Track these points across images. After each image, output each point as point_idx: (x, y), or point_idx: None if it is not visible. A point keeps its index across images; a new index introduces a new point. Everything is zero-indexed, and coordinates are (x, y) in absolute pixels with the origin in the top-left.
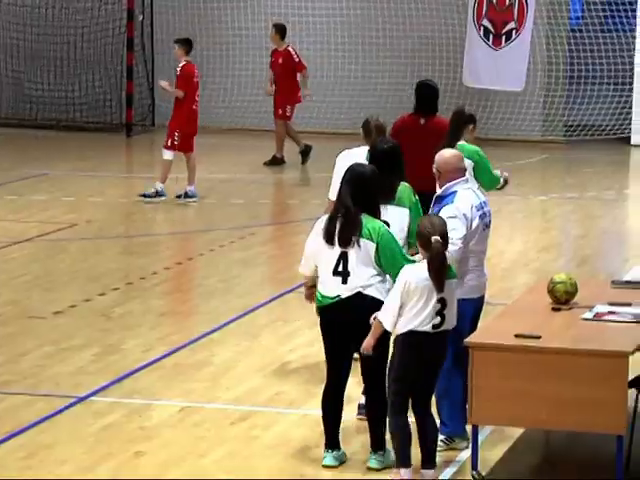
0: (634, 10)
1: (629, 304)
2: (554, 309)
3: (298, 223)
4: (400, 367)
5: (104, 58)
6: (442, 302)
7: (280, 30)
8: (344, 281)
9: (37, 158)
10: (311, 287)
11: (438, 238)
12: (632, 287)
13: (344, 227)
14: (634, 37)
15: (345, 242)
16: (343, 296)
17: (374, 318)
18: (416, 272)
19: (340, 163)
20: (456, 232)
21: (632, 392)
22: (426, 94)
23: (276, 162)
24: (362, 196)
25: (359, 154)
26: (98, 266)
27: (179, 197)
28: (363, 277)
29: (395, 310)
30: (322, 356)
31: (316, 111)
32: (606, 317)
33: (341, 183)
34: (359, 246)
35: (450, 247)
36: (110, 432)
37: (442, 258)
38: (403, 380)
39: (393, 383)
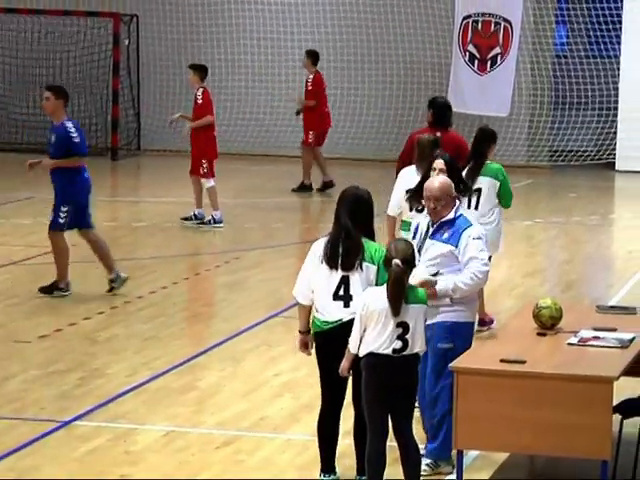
0: (618, 36)
1: (614, 329)
2: (539, 334)
3: (284, 247)
4: (365, 390)
5: (90, 82)
6: (403, 326)
7: (312, 56)
8: (346, 305)
9: (22, 182)
10: (306, 333)
11: (398, 262)
12: (617, 312)
13: (349, 251)
14: (618, 63)
15: (350, 266)
16: (345, 320)
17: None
18: (375, 295)
19: (403, 178)
20: (484, 253)
21: (617, 417)
22: (441, 109)
23: (304, 189)
24: (361, 218)
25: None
26: (83, 290)
27: (187, 219)
28: None
29: (357, 333)
30: (307, 381)
31: (301, 136)
32: (591, 342)
33: (338, 207)
34: (362, 269)
35: (483, 268)
36: (95, 456)
37: (399, 282)
38: (370, 403)
39: (364, 407)
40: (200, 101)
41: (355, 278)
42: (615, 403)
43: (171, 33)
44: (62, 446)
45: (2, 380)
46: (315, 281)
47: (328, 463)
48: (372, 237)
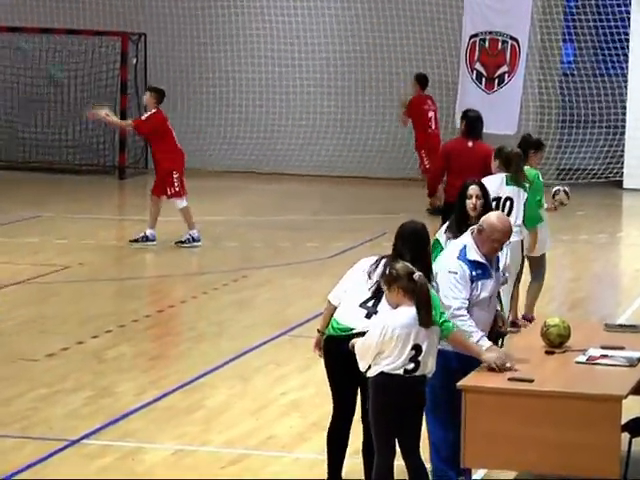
0: (626, 54)
1: (622, 348)
2: (547, 352)
3: (291, 266)
4: (373, 409)
5: (98, 101)
6: (417, 348)
7: (420, 80)
8: (368, 316)
9: (30, 201)
10: (322, 333)
11: (421, 274)
12: (625, 331)
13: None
14: (626, 81)
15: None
16: (357, 329)
17: (351, 346)
18: (395, 318)
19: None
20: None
21: (625, 436)
22: (473, 121)
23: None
24: (420, 251)
25: (494, 180)
26: (91, 309)
27: (136, 241)
28: None
29: (371, 356)
30: (314, 399)
31: (309, 153)
32: (599, 361)
33: (396, 240)
34: None
35: None
36: (103, 475)
37: (428, 292)
38: (378, 423)
39: (372, 426)
40: (144, 119)
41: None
42: (623, 422)
43: (179, 52)
44: (70, 465)
45: (10, 399)
46: (352, 287)
47: (334, 474)
48: (430, 269)
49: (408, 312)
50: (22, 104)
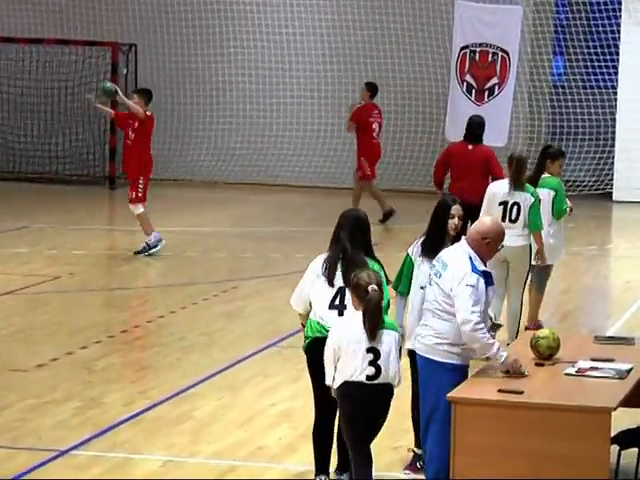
0: (616, 67)
1: (612, 360)
2: (537, 364)
3: (281, 277)
4: (342, 420)
5: (88, 111)
6: (374, 352)
7: (370, 88)
8: (340, 313)
9: (20, 211)
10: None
11: (375, 287)
12: (615, 343)
13: (348, 268)
14: (616, 93)
15: (348, 281)
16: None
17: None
18: (345, 326)
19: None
20: None
21: (615, 448)
22: (475, 126)
23: (389, 215)
24: (360, 238)
25: (502, 185)
26: (80, 319)
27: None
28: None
29: (331, 367)
30: (304, 410)
31: (299, 165)
32: (589, 373)
33: (338, 228)
34: None
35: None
36: None
37: (379, 306)
38: (347, 432)
39: (345, 438)
40: (149, 113)
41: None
42: (613, 434)
43: (169, 62)
44: (59, 476)
45: None
46: (313, 294)
47: (321, 467)
48: (372, 254)
49: (359, 321)
50: (12, 114)
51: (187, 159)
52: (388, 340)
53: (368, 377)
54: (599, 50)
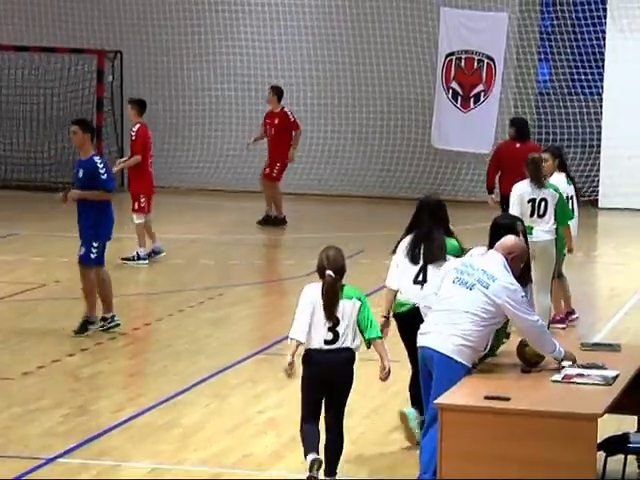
0: (601, 74)
1: (598, 366)
2: (523, 371)
3: (268, 284)
4: (301, 383)
5: (74, 118)
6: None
7: (277, 92)
8: (422, 288)
9: (6, 218)
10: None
11: (331, 273)
12: (601, 349)
13: (431, 249)
14: (601, 100)
15: (432, 260)
16: (417, 304)
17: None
18: (316, 290)
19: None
20: None
21: (601, 454)
22: (521, 125)
23: (271, 222)
24: (441, 219)
25: (525, 184)
26: (67, 327)
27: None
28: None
29: (305, 322)
30: (291, 418)
31: (285, 173)
32: (575, 379)
33: (418, 212)
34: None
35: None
36: None
37: (332, 290)
38: (302, 395)
39: (301, 405)
40: (134, 138)
41: (433, 267)
42: (599, 440)
43: (155, 69)
44: None
45: None
46: (399, 273)
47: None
48: (451, 233)
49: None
50: None
51: (174, 166)
52: (348, 308)
53: (326, 341)
54: (584, 57)
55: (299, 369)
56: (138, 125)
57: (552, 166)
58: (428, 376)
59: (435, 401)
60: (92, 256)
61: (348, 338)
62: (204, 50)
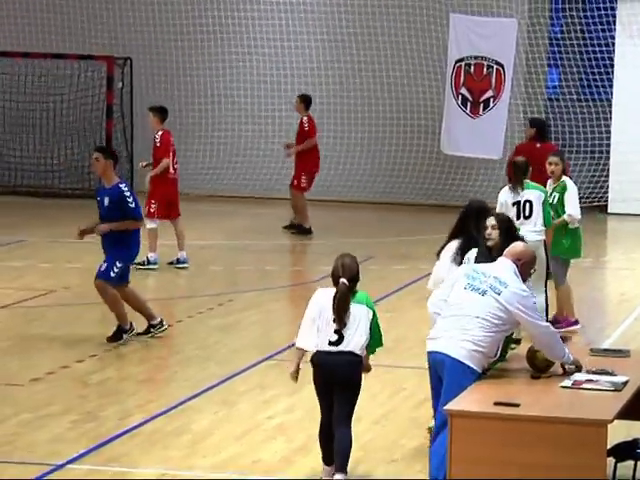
0: (610, 80)
1: (608, 372)
2: (533, 377)
3: (277, 290)
4: (315, 386)
5: (83, 125)
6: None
7: (303, 100)
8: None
9: (15, 225)
10: None
11: (345, 281)
12: (610, 355)
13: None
14: (610, 106)
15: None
16: None
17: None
18: (324, 296)
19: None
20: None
21: (611, 460)
22: (541, 125)
23: (299, 229)
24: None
25: (506, 189)
26: (76, 333)
27: (171, 263)
28: None
29: (308, 330)
30: (300, 423)
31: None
32: (585, 385)
33: (462, 218)
34: None
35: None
36: None
37: (344, 298)
38: (317, 394)
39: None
40: (158, 144)
41: None
42: (609, 446)
43: (164, 76)
44: None
45: None
46: (449, 278)
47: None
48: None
49: (331, 294)
50: (8, 128)
51: (183, 173)
52: (357, 312)
53: (330, 342)
54: (594, 63)
55: (307, 374)
56: (161, 132)
57: (560, 169)
58: (438, 381)
59: (445, 407)
60: (112, 275)
61: (352, 342)
62: (214, 57)
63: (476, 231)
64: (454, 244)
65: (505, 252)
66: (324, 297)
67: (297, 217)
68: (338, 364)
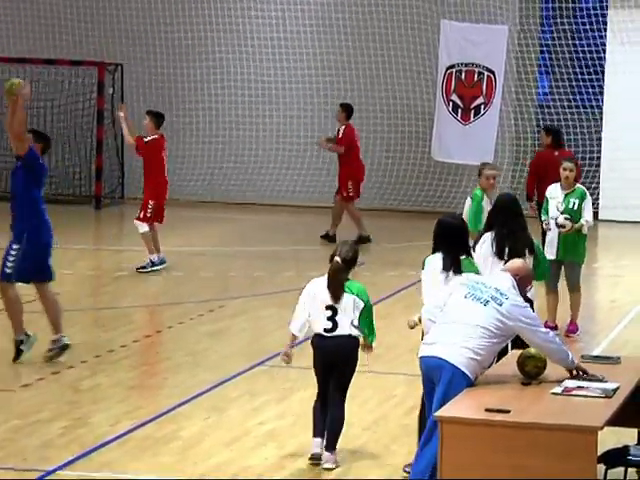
0: (601, 87)
1: (598, 379)
2: (524, 383)
3: (267, 296)
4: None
5: (74, 131)
6: (332, 309)
7: (344, 109)
8: None
9: (5, 230)
10: None
11: (338, 259)
12: (601, 362)
13: (514, 246)
14: (601, 113)
15: (518, 255)
16: None
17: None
18: (317, 284)
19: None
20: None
21: (601, 467)
22: (557, 133)
23: (363, 241)
24: (515, 217)
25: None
26: (67, 338)
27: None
28: None
29: (301, 317)
30: (290, 430)
31: (285, 184)
32: (575, 392)
33: (494, 212)
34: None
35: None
36: None
37: (335, 274)
38: (317, 377)
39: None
40: (147, 139)
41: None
42: (599, 453)
43: (155, 82)
44: None
45: None
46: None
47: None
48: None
49: (324, 281)
50: None
51: (174, 178)
52: (347, 302)
53: (325, 329)
54: (584, 70)
55: (297, 380)
56: (156, 136)
57: (574, 176)
58: (430, 384)
59: (435, 413)
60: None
61: (346, 326)
62: (204, 63)
63: (509, 221)
64: (489, 235)
65: (504, 267)
66: (317, 284)
67: (333, 228)
68: (335, 346)
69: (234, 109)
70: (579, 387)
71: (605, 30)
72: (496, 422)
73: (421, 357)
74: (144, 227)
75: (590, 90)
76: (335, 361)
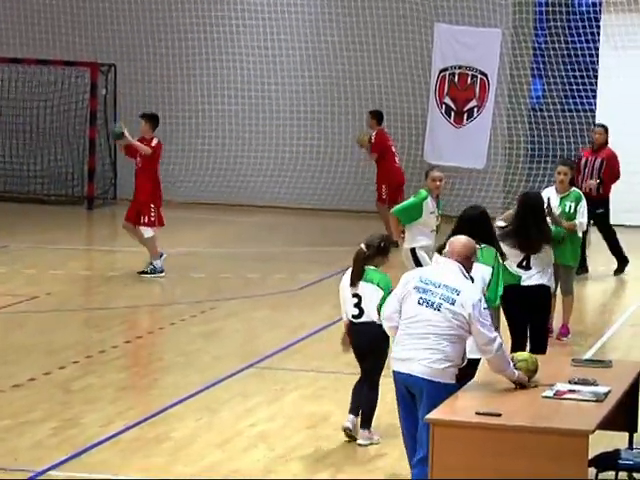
0: (594, 90)
1: (589, 383)
2: (515, 387)
3: (259, 298)
4: None
5: (67, 131)
6: (357, 297)
7: (374, 115)
8: (526, 270)
9: (6, 230)
10: None
11: (363, 245)
12: (592, 366)
13: (538, 241)
14: (594, 117)
15: (536, 250)
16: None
17: None
18: (348, 272)
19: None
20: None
21: (592, 471)
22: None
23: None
24: (539, 215)
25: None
26: (58, 339)
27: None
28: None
29: (342, 304)
30: (282, 432)
31: (277, 185)
32: (567, 395)
33: (519, 210)
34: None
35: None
36: None
37: (357, 258)
38: (355, 358)
39: None
40: (154, 144)
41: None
42: (590, 456)
43: (148, 83)
44: None
45: None
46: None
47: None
48: (548, 226)
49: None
50: None
51: (165, 180)
52: (367, 290)
53: (353, 316)
54: (577, 73)
55: (289, 383)
56: (156, 139)
57: (569, 179)
58: (408, 395)
59: (426, 416)
60: None
61: (371, 313)
62: (198, 64)
63: (532, 219)
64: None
65: (446, 252)
66: (348, 274)
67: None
68: (361, 332)
69: (227, 110)
70: (570, 391)
71: (598, 34)
72: (487, 425)
73: (396, 372)
74: (150, 232)
75: (583, 94)
76: (362, 346)
